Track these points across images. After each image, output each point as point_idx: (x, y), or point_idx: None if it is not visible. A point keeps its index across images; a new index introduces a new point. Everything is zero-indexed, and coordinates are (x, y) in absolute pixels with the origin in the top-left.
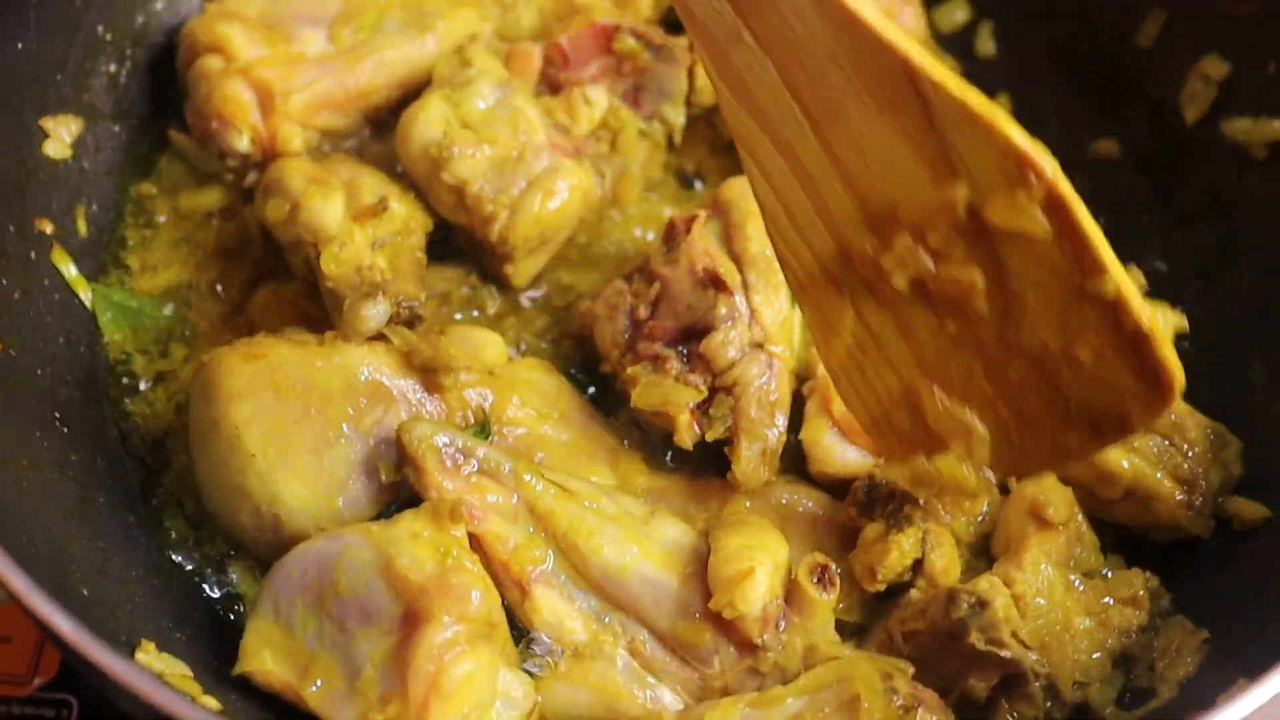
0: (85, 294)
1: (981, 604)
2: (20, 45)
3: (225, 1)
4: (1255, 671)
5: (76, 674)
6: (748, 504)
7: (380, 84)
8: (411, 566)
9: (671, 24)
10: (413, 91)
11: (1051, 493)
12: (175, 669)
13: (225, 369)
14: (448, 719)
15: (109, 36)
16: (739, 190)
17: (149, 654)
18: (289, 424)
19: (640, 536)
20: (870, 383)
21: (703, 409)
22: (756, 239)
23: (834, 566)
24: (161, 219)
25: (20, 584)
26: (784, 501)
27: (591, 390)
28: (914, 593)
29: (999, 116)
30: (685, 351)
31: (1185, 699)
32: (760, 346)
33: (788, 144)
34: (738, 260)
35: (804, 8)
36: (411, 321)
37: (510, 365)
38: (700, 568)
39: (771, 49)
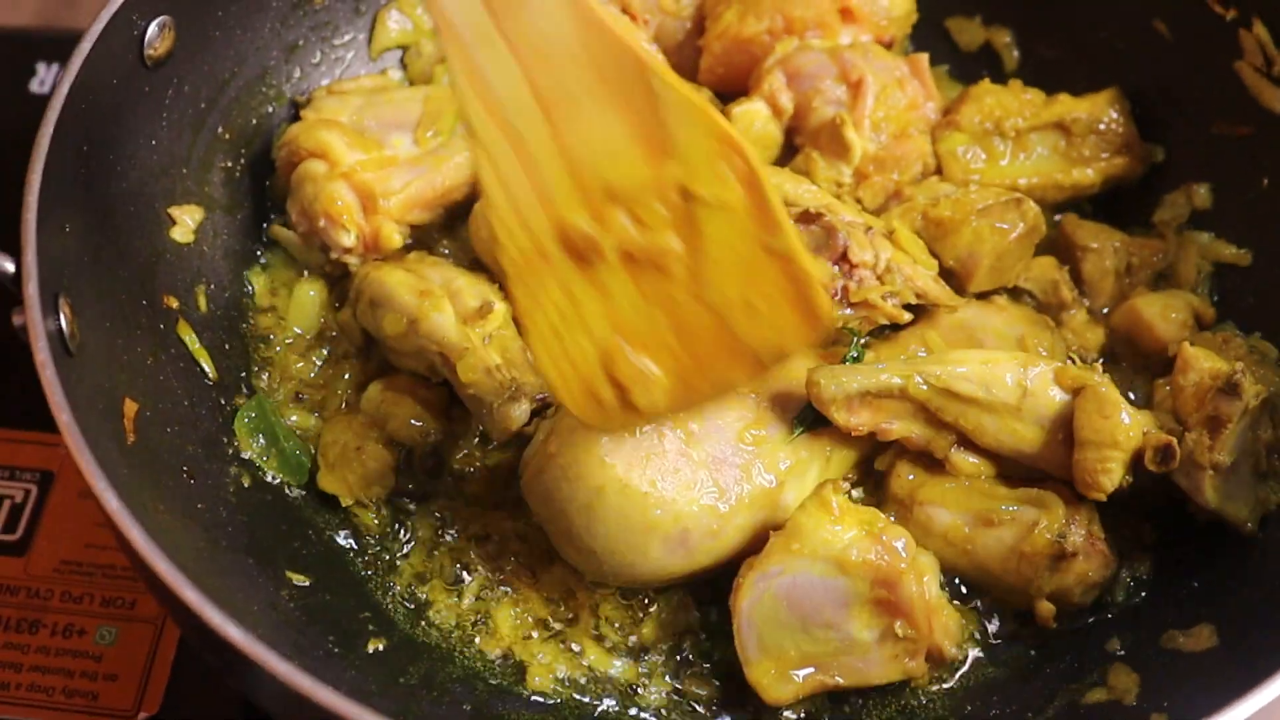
0: (206, 364)
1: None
2: (154, 142)
3: (320, 109)
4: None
5: (178, 709)
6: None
7: (460, 182)
8: (861, 551)
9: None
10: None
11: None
12: None
13: (581, 449)
14: (948, 628)
15: (227, 136)
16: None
17: None
18: (655, 449)
19: (1014, 421)
20: (568, 351)
21: None
22: (774, 173)
23: (1175, 444)
24: (274, 337)
25: (193, 596)
26: None
27: None
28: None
29: (711, 109)
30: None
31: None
32: (869, 228)
33: (519, 134)
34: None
35: (554, 11)
36: (543, 410)
37: None
38: (1067, 433)
39: (518, 50)
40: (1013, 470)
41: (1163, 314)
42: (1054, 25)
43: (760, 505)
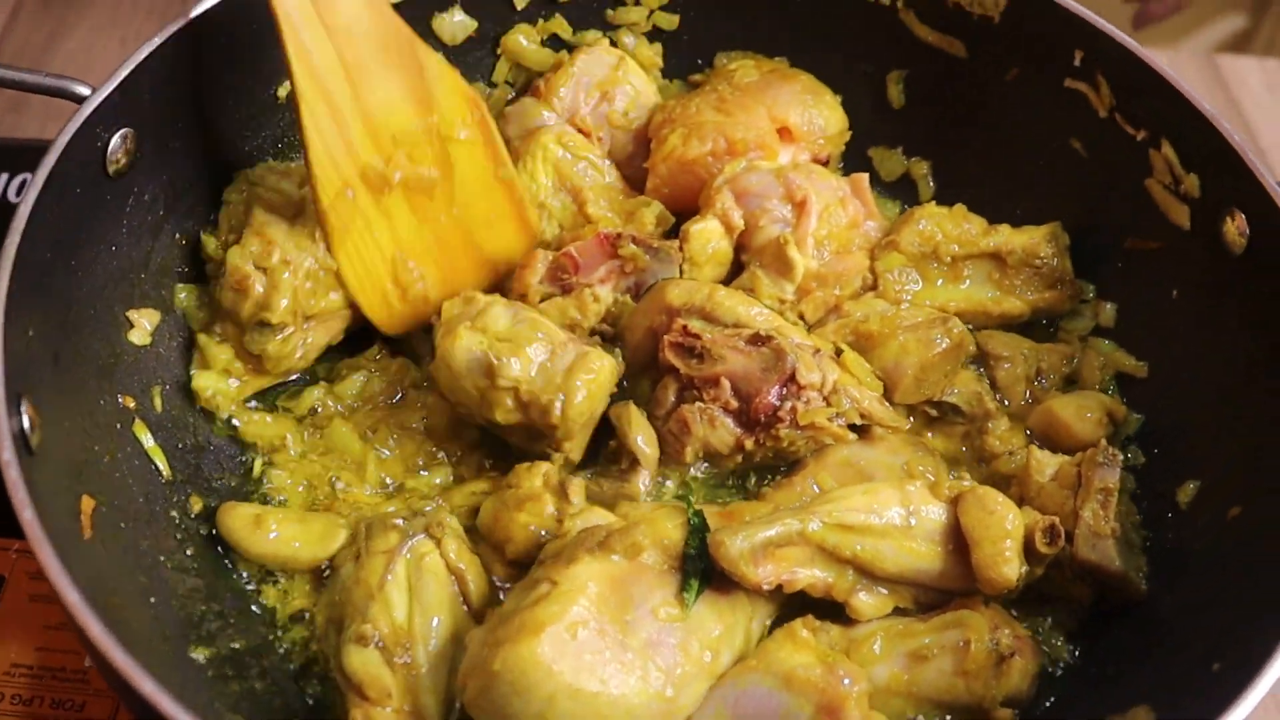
0: (160, 462)
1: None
2: (114, 248)
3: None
4: None
5: None
6: None
7: None
8: (809, 671)
9: (666, 233)
10: None
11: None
12: None
13: (527, 660)
14: None
15: (183, 241)
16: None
17: None
18: (595, 649)
19: (908, 540)
20: (369, 268)
21: None
22: (729, 295)
23: (1057, 521)
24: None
25: (150, 688)
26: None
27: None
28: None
29: (456, 76)
30: (784, 393)
31: None
32: (818, 351)
33: (332, 96)
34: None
35: (356, 3)
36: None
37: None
38: (958, 542)
39: (332, 30)
40: (914, 601)
41: (1078, 414)
42: (974, 149)
43: (702, 677)
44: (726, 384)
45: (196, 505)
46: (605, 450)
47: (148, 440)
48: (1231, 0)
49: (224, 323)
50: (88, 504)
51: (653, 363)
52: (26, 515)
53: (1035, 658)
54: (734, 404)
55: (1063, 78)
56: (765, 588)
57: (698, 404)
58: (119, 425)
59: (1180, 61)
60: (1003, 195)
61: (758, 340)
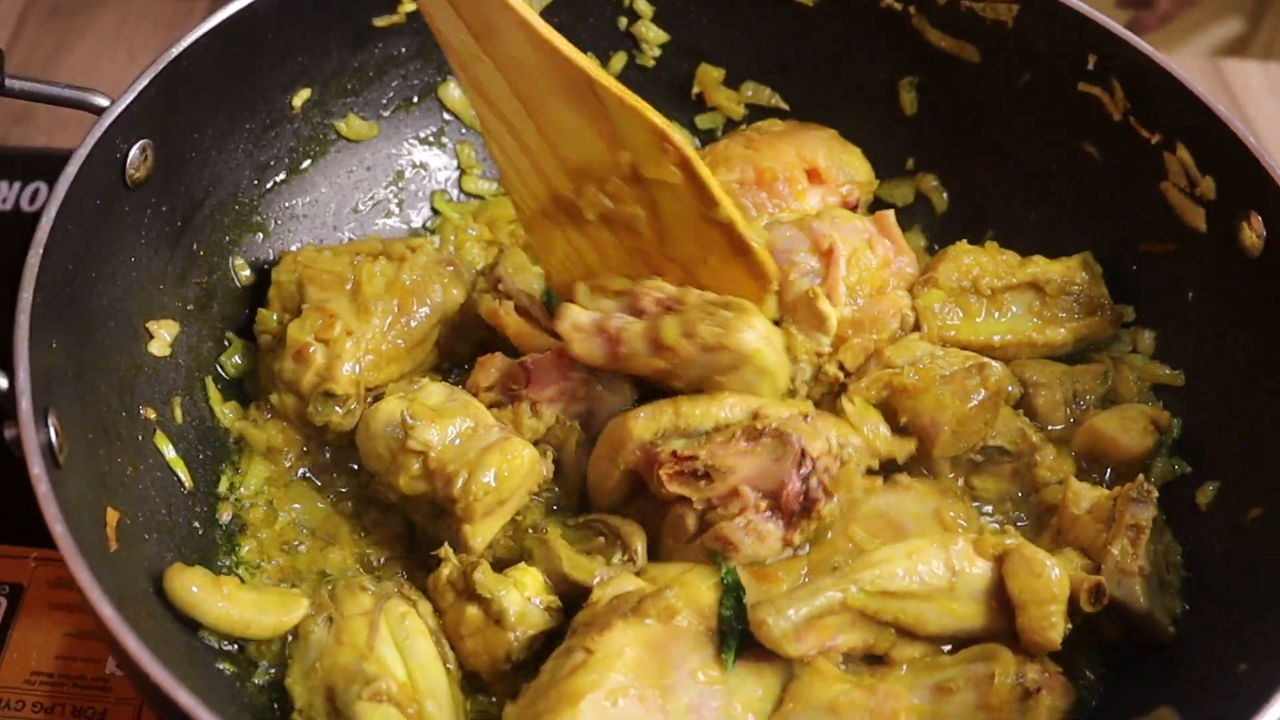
0: (182, 473)
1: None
2: (133, 260)
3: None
4: None
5: None
6: None
7: None
8: (849, 696)
9: None
10: None
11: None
12: None
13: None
14: None
15: (201, 253)
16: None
17: None
18: (636, 716)
19: (950, 602)
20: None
21: None
22: (690, 402)
23: (1104, 583)
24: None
25: (187, 700)
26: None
27: None
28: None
29: (647, 109)
30: (803, 472)
31: None
32: (805, 415)
33: (514, 126)
34: (713, 421)
35: (521, 42)
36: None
37: None
38: (1001, 599)
39: (500, 66)
40: (949, 650)
41: (1123, 428)
42: (987, 154)
43: None
44: (747, 491)
45: (225, 513)
46: (594, 543)
47: (169, 452)
48: (1229, 4)
49: (282, 394)
50: (112, 516)
51: (637, 496)
52: (58, 529)
53: (1065, 696)
54: (763, 506)
55: (1076, 82)
56: (806, 659)
57: (736, 519)
58: (140, 437)
59: (1182, 65)
60: (1016, 201)
61: (754, 434)
